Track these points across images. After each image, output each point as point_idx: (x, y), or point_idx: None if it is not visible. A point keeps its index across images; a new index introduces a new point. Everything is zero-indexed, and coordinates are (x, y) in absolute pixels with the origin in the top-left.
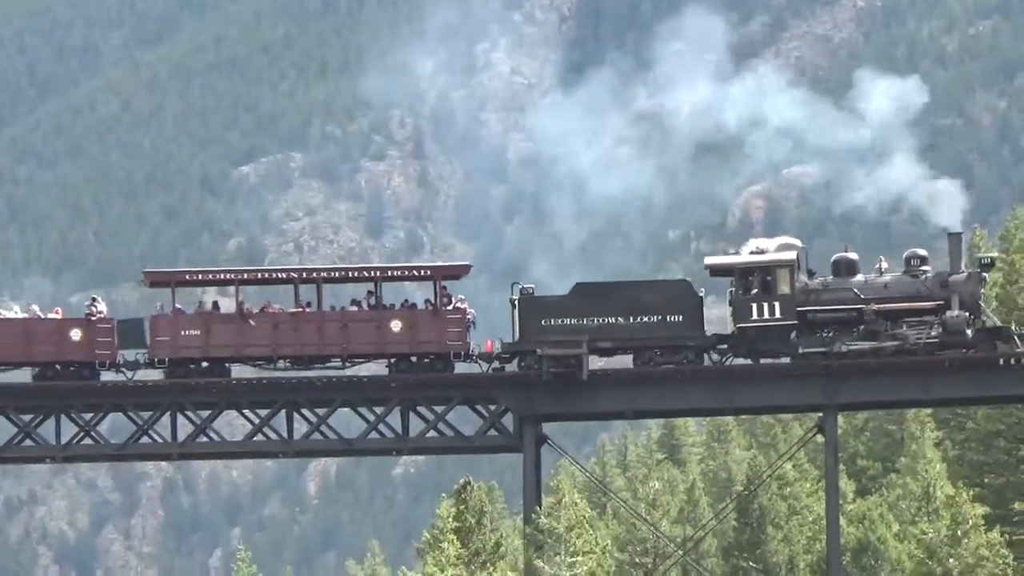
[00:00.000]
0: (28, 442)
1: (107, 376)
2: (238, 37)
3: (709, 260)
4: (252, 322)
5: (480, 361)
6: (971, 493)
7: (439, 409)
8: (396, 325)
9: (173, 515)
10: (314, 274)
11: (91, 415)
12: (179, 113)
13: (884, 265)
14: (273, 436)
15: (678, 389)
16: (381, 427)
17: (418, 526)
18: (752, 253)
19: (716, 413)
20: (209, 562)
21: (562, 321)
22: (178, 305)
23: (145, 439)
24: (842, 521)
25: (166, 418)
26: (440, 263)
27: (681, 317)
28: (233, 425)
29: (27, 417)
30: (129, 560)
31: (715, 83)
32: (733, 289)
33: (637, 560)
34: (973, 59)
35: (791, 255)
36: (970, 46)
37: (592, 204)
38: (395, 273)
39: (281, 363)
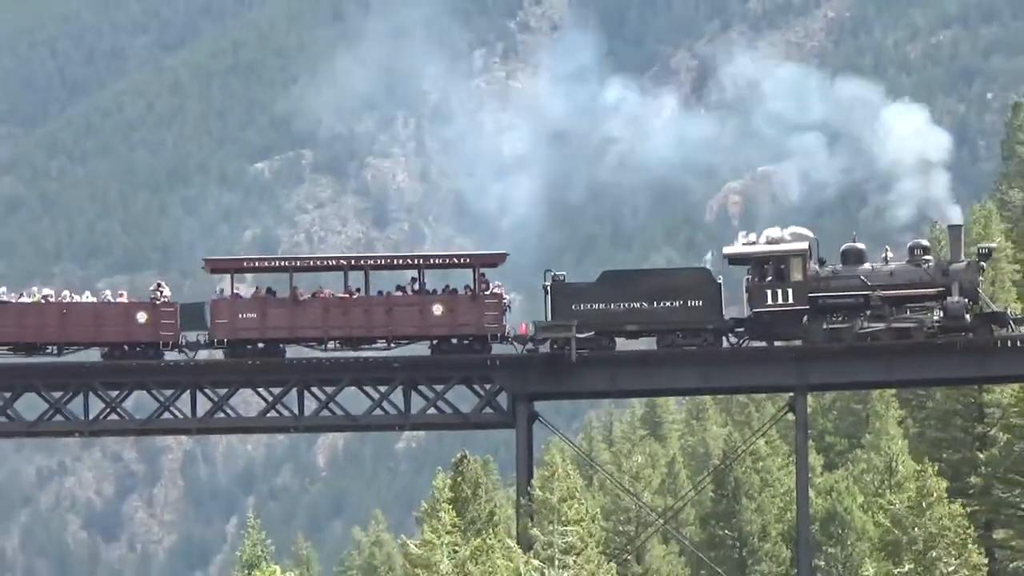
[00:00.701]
0: (58, 417)
1: (170, 356)
2: (254, 43)
3: (727, 250)
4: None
5: (515, 343)
6: (934, 468)
7: (439, 388)
8: (438, 309)
9: (192, 485)
10: (363, 261)
11: (116, 392)
12: (199, 113)
13: (889, 255)
14: (285, 413)
15: (660, 370)
16: (385, 405)
17: (419, 496)
18: (768, 242)
19: (695, 393)
20: (226, 528)
21: (591, 306)
22: (235, 290)
23: (167, 415)
24: (811, 493)
25: (186, 396)
26: (479, 252)
27: (701, 302)
28: (248, 402)
29: (57, 394)
30: (151, 527)
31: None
32: (749, 276)
33: (621, 528)
34: (934, 65)
35: (803, 245)
36: (932, 54)
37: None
38: (437, 261)
39: (331, 344)
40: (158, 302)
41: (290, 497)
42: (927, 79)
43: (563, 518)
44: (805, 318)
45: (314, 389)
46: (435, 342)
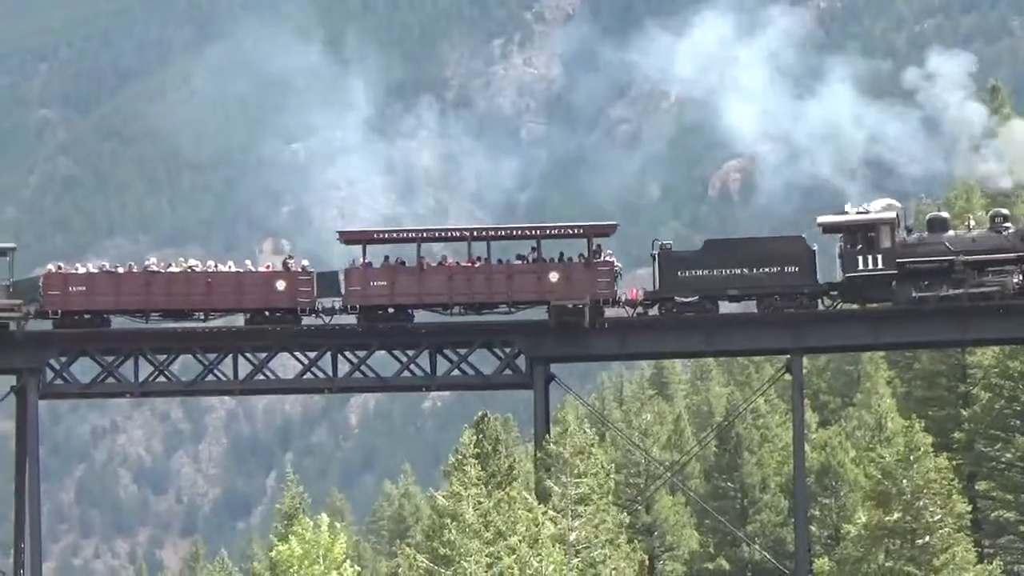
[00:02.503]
0: (111, 379)
1: (307, 320)
2: (289, 33)
3: (821, 219)
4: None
5: (627, 307)
6: (921, 424)
7: (462, 351)
8: (554, 276)
9: (235, 442)
10: (485, 232)
11: (164, 356)
12: (239, 98)
13: (972, 223)
14: (320, 375)
15: (666, 335)
16: (412, 367)
17: (444, 452)
18: (858, 212)
19: (699, 355)
20: (265, 482)
21: (695, 272)
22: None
23: (211, 377)
24: (807, 448)
25: (228, 359)
26: (592, 223)
27: (797, 268)
28: (286, 366)
29: (110, 358)
30: (197, 480)
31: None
32: (842, 244)
33: (631, 481)
34: (918, 52)
35: (892, 214)
36: (916, 40)
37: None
38: (553, 231)
39: (456, 309)
40: (295, 270)
41: (325, 453)
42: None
43: (576, 471)
44: (893, 282)
45: (347, 353)
46: (551, 307)
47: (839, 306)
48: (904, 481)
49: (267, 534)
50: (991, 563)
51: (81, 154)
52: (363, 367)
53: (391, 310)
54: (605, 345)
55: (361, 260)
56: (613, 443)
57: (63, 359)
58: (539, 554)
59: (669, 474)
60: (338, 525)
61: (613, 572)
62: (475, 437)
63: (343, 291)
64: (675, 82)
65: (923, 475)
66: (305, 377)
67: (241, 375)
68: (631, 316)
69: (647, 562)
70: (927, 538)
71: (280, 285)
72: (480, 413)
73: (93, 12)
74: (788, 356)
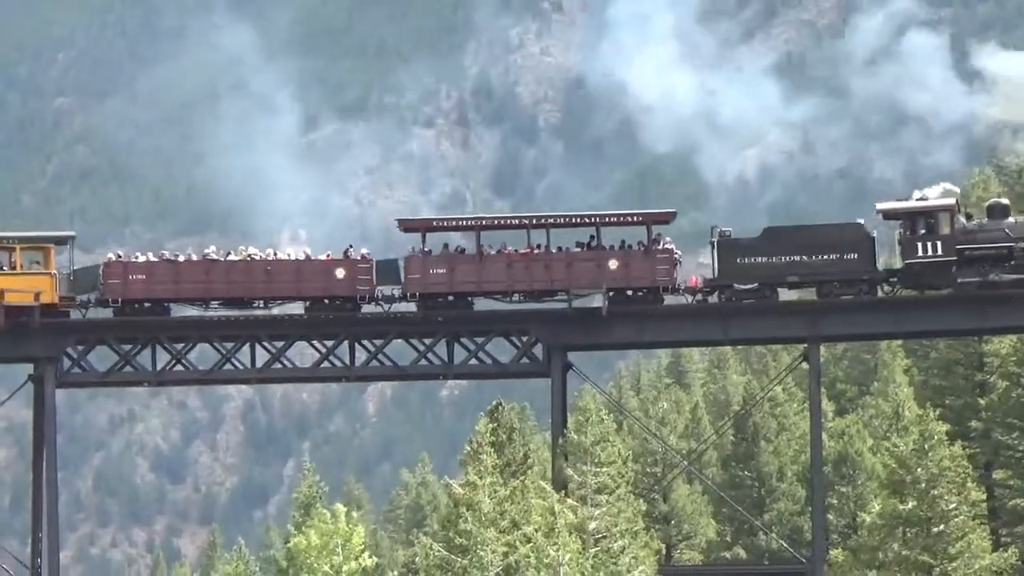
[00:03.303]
0: (128, 368)
1: (367, 308)
2: (307, 21)
3: (881, 206)
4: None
5: (687, 294)
6: (936, 413)
7: (479, 340)
8: (613, 263)
9: (252, 431)
10: (544, 220)
11: (182, 345)
12: (255, 87)
13: None
14: (337, 364)
15: (684, 323)
16: (430, 356)
17: (461, 440)
18: (918, 200)
19: (716, 344)
20: (283, 471)
21: (754, 259)
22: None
23: (228, 366)
24: (824, 436)
25: (246, 348)
26: (651, 210)
27: (856, 255)
28: (303, 354)
29: (127, 347)
30: (214, 469)
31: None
32: (901, 230)
33: (648, 470)
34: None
35: (951, 201)
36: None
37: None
38: (612, 219)
39: (516, 296)
40: (355, 258)
41: (342, 442)
42: None
43: (596, 460)
44: (953, 268)
45: (364, 341)
46: (611, 294)
47: (898, 293)
48: (919, 470)
49: (285, 523)
50: (1007, 551)
51: (97, 143)
52: (380, 355)
53: (451, 298)
54: (623, 333)
55: (420, 248)
56: (630, 432)
57: (80, 348)
58: (556, 543)
59: (686, 463)
60: (355, 514)
61: (632, 561)
62: (491, 426)
63: (402, 279)
64: None
65: (938, 464)
66: (323, 366)
67: (259, 364)
68: (691, 303)
69: (663, 551)
70: (942, 526)
71: (340, 273)
72: (495, 402)
73: (109, 1)
74: (805, 344)
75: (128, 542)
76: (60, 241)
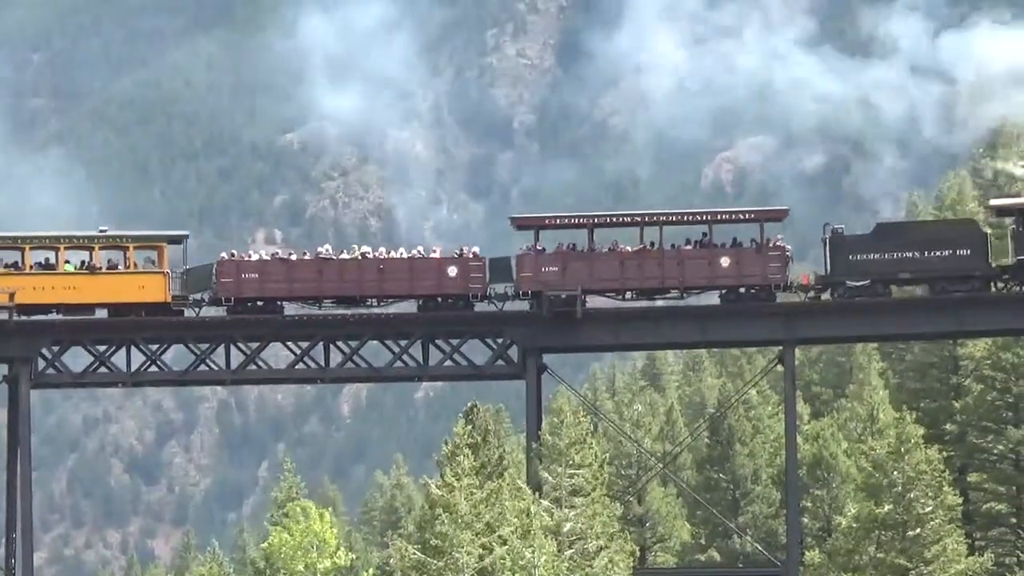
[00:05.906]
0: (103, 369)
1: (480, 307)
2: (283, 23)
3: (994, 202)
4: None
5: (798, 292)
6: (912, 416)
7: (455, 342)
8: (725, 261)
9: (227, 432)
10: (657, 217)
11: (157, 346)
12: (232, 88)
13: None
14: (312, 365)
15: (659, 325)
16: (405, 357)
17: (436, 442)
18: None
19: (691, 346)
20: (257, 472)
21: (867, 256)
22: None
23: (203, 367)
24: (799, 439)
25: (221, 349)
26: (764, 208)
27: (969, 251)
28: (278, 356)
29: (102, 348)
30: (189, 471)
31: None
32: (1014, 227)
33: (623, 472)
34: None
35: None
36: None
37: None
38: (725, 216)
39: (628, 294)
40: (467, 256)
41: (317, 443)
42: None
43: (571, 462)
44: None
45: (339, 343)
46: (724, 292)
47: (1011, 289)
48: (895, 473)
49: (259, 524)
50: (982, 555)
51: (73, 144)
52: (355, 357)
53: (563, 295)
54: (598, 336)
55: (533, 246)
56: (605, 434)
57: (55, 348)
58: (531, 545)
59: (661, 465)
60: (327, 514)
61: (608, 564)
62: (467, 428)
63: (515, 277)
64: None
65: (913, 467)
66: (297, 367)
67: (233, 365)
68: (803, 300)
69: (638, 554)
70: (918, 530)
71: (452, 271)
72: (470, 404)
73: (84, 1)
74: (780, 347)
75: (102, 543)
76: (174, 240)
